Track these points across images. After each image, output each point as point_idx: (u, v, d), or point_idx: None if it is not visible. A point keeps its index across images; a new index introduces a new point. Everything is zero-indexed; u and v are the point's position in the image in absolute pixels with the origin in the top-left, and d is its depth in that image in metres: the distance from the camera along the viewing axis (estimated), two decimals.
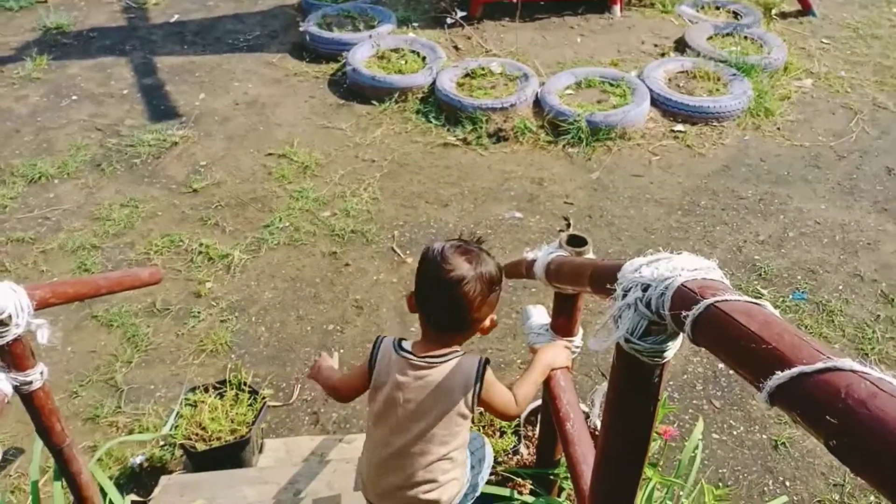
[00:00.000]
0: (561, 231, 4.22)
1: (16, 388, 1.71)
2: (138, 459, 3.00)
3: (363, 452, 1.75)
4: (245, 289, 3.88)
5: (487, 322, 1.58)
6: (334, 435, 2.99)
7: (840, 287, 3.81)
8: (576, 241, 1.57)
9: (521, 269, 1.91)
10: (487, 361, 1.59)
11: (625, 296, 0.93)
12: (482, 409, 1.59)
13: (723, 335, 0.73)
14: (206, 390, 2.72)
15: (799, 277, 3.88)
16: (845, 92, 5.52)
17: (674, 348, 0.94)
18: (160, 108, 5.50)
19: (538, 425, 2.62)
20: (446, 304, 1.50)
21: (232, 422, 2.58)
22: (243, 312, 3.73)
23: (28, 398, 1.78)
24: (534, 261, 1.63)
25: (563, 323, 1.67)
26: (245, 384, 2.72)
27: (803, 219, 4.30)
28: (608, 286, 1.02)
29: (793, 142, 4.98)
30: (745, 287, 3.80)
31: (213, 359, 3.48)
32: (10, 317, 1.57)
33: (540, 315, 1.79)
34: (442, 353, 1.55)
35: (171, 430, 2.54)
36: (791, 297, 3.76)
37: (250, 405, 2.68)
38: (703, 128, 5.08)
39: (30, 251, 4.14)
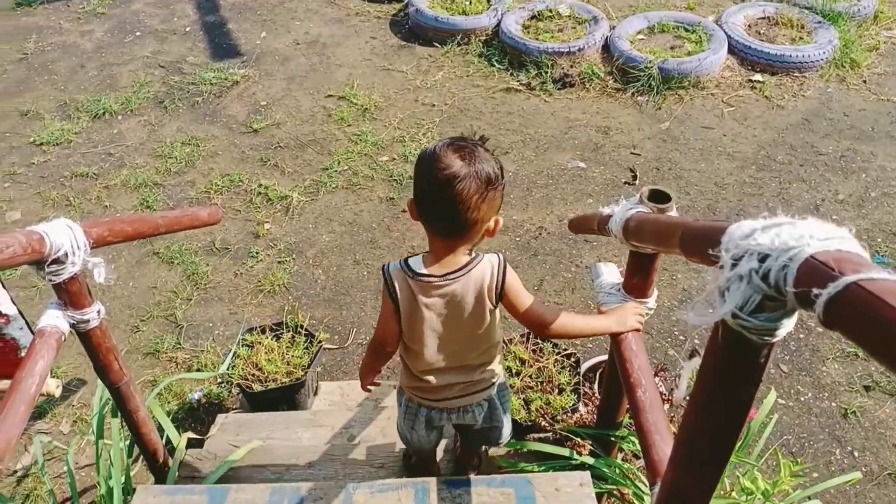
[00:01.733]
0: (626, 183, 4.06)
1: (73, 326, 1.71)
2: (196, 395, 3.05)
3: (405, 369, 1.75)
4: (303, 231, 3.86)
5: (492, 223, 1.49)
6: (388, 380, 2.97)
7: None
8: (658, 197, 1.45)
9: (593, 224, 1.80)
10: (506, 260, 1.57)
11: (734, 265, 0.83)
12: (508, 303, 1.57)
13: (867, 320, 0.63)
14: (263, 331, 2.73)
15: (879, 240, 3.66)
16: None
17: (788, 326, 0.84)
18: (222, 46, 5.46)
19: (597, 383, 2.55)
20: (443, 206, 1.42)
21: (288, 364, 2.58)
22: (301, 255, 3.73)
23: (85, 336, 1.78)
24: (609, 216, 1.52)
25: (637, 283, 1.57)
26: (301, 327, 2.72)
27: (887, 178, 4.03)
28: (709, 252, 0.91)
29: (879, 96, 4.65)
30: None
31: (271, 299, 3.49)
32: (66, 254, 1.54)
33: (611, 273, 1.69)
34: (459, 266, 1.52)
35: (227, 369, 2.56)
36: (871, 259, 3.54)
37: (306, 348, 2.67)
38: (783, 78, 4.79)
39: (93, 186, 4.20)
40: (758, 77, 4.78)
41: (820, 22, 4.99)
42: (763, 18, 5.14)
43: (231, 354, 2.61)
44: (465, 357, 1.65)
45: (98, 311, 1.76)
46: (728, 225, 0.94)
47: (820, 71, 4.81)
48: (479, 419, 1.80)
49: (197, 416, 3.01)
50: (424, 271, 1.52)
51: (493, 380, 1.75)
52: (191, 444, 2.42)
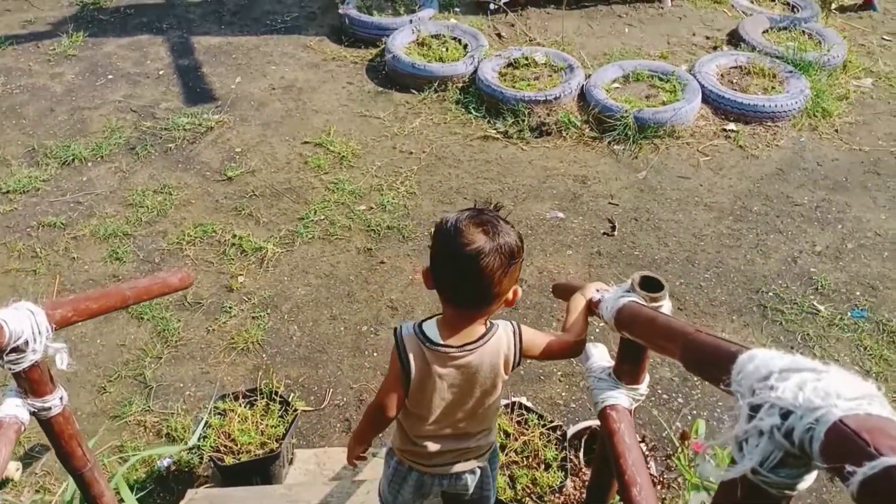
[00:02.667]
0: (605, 234, 4.05)
1: (33, 415, 1.61)
2: (165, 463, 2.92)
3: (400, 430, 1.70)
4: (278, 284, 3.77)
5: (511, 294, 1.48)
6: (371, 452, 2.87)
7: None
8: (650, 284, 1.41)
9: (571, 294, 1.77)
10: (520, 325, 1.59)
11: (752, 415, 0.78)
12: (534, 357, 1.60)
13: None
14: (237, 398, 2.63)
15: (858, 293, 3.67)
16: None
17: (809, 480, 0.79)
18: (196, 90, 5.40)
19: (583, 451, 2.49)
20: (465, 281, 1.41)
21: (262, 434, 2.48)
22: (275, 309, 3.63)
23: (47, 424, 1.68)
24: (598, 301, 1.48)
25: (628, 370, 1.52)
26: (276, 393, 2.62)
27: (862, 229, 4.07)
28: (719, 378, 0.86)
29: (851, 145, 4.73)
30: (801, 302, 3.60)
31: (244, 357, 3.39)
32: (26, 342, 1.45)
33: (601, 356, 1.64)
34: (476, 338, 1.51)
35: (198, 440, 2.45)
36: (850, 314, 3.56)
37: (281, 416, 2.57)
38: (756, 127, 4.84)
39: (61, 236, 4.07)
40: (732, 126, 4.83)
41: (791, 71, 5.07)
42: (735, 68, 5.22)
43: (202, 424, 2.50)
44: (469, 426, 1.64)
45: (61, 398, 1.66)
46: (737, 352, 0.89)
47: (792, 120, 4.88)
48: (470, 487, 1.76)
49: (166, 485, 2.88)
50: (441, 342, 1.50)
51: (489, 447, 1.75)
52: None
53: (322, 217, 4.20)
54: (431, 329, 1.51)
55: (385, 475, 1.83)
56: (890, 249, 3.93)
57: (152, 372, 3.33)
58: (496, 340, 1.52)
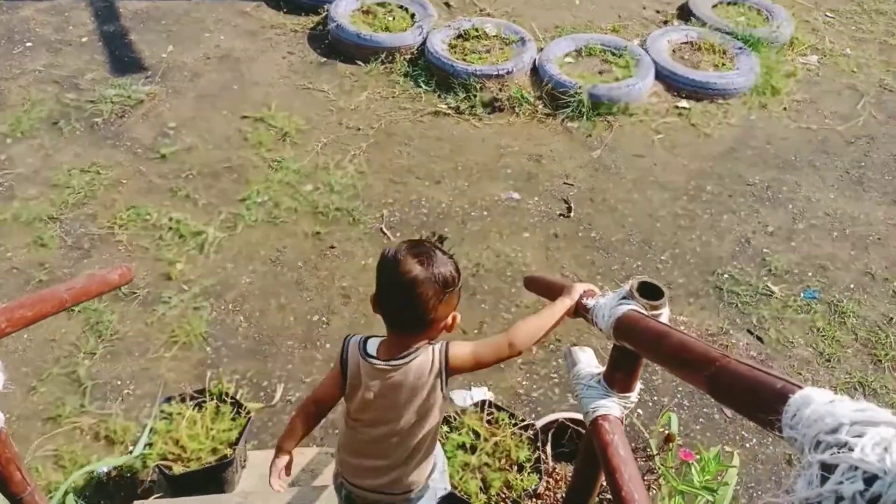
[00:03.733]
0: (562, 215, 3.95)
1: None
2: (105, 468, 2.71)
3: (340, 437, 1.79)
4: (220, 271, 3.55)
5: (450, 320, 1.58)
6: (324, 447, 2.73)
7: (851, 286, 3.64)
8: (649, 292, 1.30)
9: (553, 294, 1.65)
10: (448, 342, 1.61)
11: (824, 475, 0.67)
12: (466, 369, 1.62)
13: None
14: (183, 400, 2.43)
15: (810, 274, 3.70)
16: (851, 71, 5.29)
17: None
18: (124, 59, 5.02)
19: (550, 445, 2.41)
20: (401, 307, 1.53)
21: (213, 439, 2.31)
22: (219, 299, 3.41)
23: None
24: (591, 307, 1.37)
25: (621, 377, 1.42)
26: (227, 395, 2.44)
27: (812, 209, 4.10)
28: (763, 417, 0.76)
29: (799, 123, 4.76)
30: (756, 284, 3.61)
31: (187, 352, 3.17)
32: None
33: (589, 361, 1.53)
34: (405, 354, 1.57)
35: (144, 448, 2.25)
36: (802, 295, 3.58)
37: (233, 418, 2.40)
38: (707, 105, 4.82)
39: None
40: (684, 104, 4.80)
41: (741, 48, 5.06)
42: (686, 43, 5.18)
43: (147, 430, 2.31)
44: (391, 447, 1.65)
45: None
46: (786, 390, 0.78)
47: (743, 98, 4.87)
48: None
49: (106, 492, 2.67)
50: (374, 355, 1.59)
51: (414, 491, 1.74)
52: None
53: (266, 198, 3.97)
54: (373, 345, 1.62)
55: (334, 483, 1.88)
56: (839, 229, 3.97)
57: (86, 369, 3.08)
58: (420, 359, 1.57)
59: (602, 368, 1.51)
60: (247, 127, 4.48)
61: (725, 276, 3.66)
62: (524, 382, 3.12)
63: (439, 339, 1.62)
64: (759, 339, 3.36)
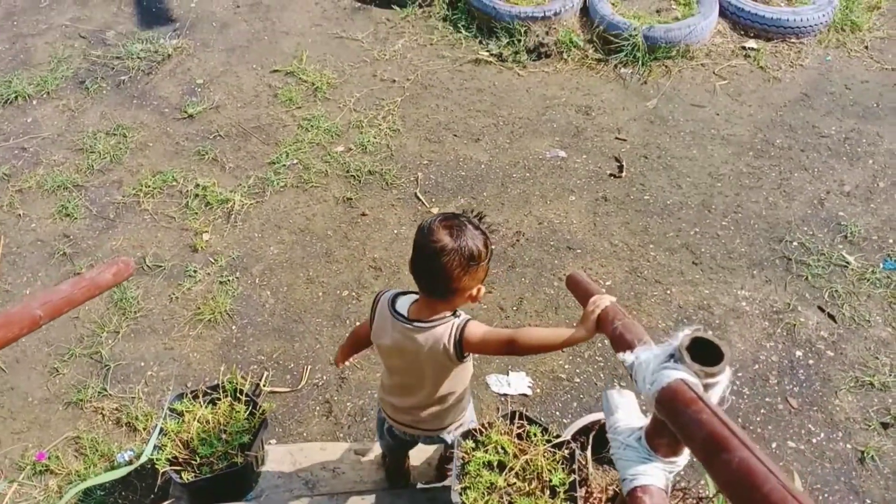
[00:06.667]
0: (612, 175, 3.62)
1: None
2: (126, 456, 2.64)
3: (382, 379, 1.98)
4: (247, 242, 3.38)
5: (475, 291, 1.66)
6: (347, 442, 2.58)
7: None
8: (702, 351, 1.03)
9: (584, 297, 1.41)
10: (469, 320, 1.70)
11: None
12: (477, 351, 1.72)
13: None
14: (196, 396, 2.29)
15: (891, 241, 3.31)
16: None
17: None
18: (151, 10, 4.81)
19: (590, 450, 2.18)
20: (428, 274, 1.62)
21: (226, 442, 2.17)
22: (245, 272, 3.26)
23: None
24: (630, 362, 1.11)
25: (666, 441, 1.17)
26: (241, 392, 2.28)
27: (895, 165, 3.66)
28: None
29: (883, 64, 4.24)
30: (829, 253, 3.24)
31: (212, 330, 3.04)
32: None
33: (628, 409, 1.28)
34: (431, 319, 1.68)
35: (153, 453, 2.13)
36: (882, 266, 3.21)
37: (248, 417, 2.25)
38: (778, 45, 4.33)
39: (4, 190, 3.65)
40: (752, 44, 4.32)
41: None
42: None
43: (156, 432, 2.18)
44: (415, 395, 1.84)
45: None
46: None
47: (819, 36, 4.36)
48: (429, 444, 2.13)
49: (128, 483, 2.60)
50: (402, 313, 1.71)
51: (442, 427, 1.95)
52: None
53: (295, 161, 3.76)
54: (404, 303, 1.73)
55: (377, 417, 2.12)
56: None
57: (110, 349, 2.99)
58: (442, 329, 1.68)
59: (645, 420, 1.25)
60: (277, 82, 4.24)
61: (794, 243, 3.30)
62: (566, 366, 2.89)
63: (465, 308, 1.76)
64: (832, 317, 3.03)
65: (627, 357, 1.18)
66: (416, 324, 1.69)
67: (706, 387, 1.02)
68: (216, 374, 2.84)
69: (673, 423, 1.00)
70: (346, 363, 2.08)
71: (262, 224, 3.46)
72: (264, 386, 2.79)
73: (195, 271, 3.25)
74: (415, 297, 1.74)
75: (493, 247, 1.67)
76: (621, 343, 1.23)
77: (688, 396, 0.97)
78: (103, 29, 4.65)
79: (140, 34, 4.58)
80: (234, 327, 3.05)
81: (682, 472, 2.10)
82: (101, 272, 1.89)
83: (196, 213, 3.50)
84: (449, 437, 1.99)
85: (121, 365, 2.94)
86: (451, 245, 1.56)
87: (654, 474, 1.16)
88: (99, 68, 4.34)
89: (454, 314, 1.71)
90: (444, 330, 1.68)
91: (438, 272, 1.58)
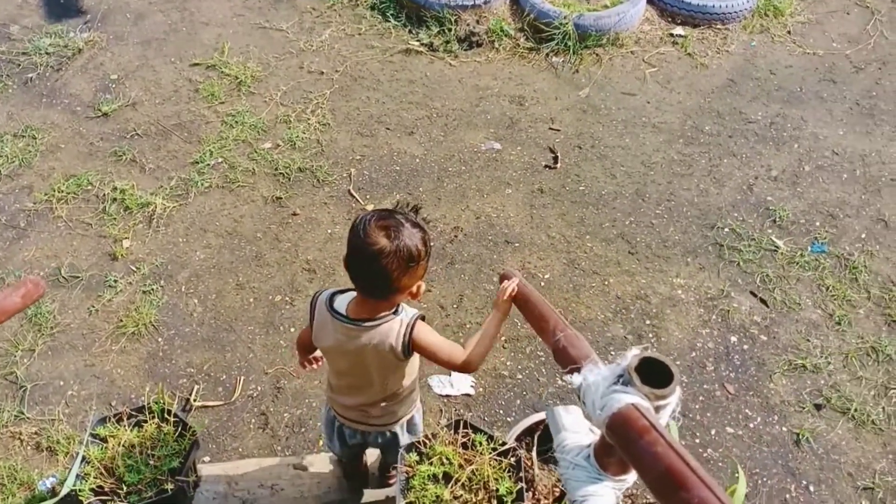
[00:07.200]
0: (547, 167, 3.60)
1: None
2: (48, 483, 2.47)
3: (327, 378, 1.93)
4: (171, 248, 3.22)
5: (415, 289, 1.64)
6: (286, 456, 2.48)
7: (863, 236, 3.34)
8: (650, 371, 0.99)
9: (547, 325, 1.35)
10: (422, 317, 1.71)
11: None
12: (422, 355, 1.72)
13: None
14: (120, 420, 2.15)
15: (818, 224, 3.39)
16: None
17: None
18: (59, 1, 4.52)
19: (535, 449, 2.15)
20: (366, 276, 1.59)
21: (155, 468, 2.04)
22: (170, 280, 3.10)
23: None
24: (576, 385, 1.06)
25: (615, 461, 1.12)
26: (169, 412, 2.15)
27: (819, 148, 3.75)
28: None
29: (805, 49, 4.34)
30: (759, 238, 3.30)
31: (136, 344, 2.88)
32: None
33: (576, 426, 1.23)
34: (374, 318, 1.66)
35: (74, 483, 1.99)
36: (810, 249, 3.28)
37: (178, 439, 2.12)
38: (705, 31, 4.38)
39: None
40: (679, 31, 4.36)
41: None
42: None
43: (79, 460, 2.03)
44: (364, 394, 1.83)
45: None
46: None
47: (743, 22, 4.43)
48: (381, 443, 2.02)
49: None
50: (343, 313, 1.68)
51: (394, 421, 1.94)
52: None
53: (220, 159, 3.59)
54: (342, 303, 1.70)
55: (323, 419, 2.09)
56: (848, 171, 3.64)
57: (26, 369, 2.79)
58: (387, 327, 1.66)
59: (593, 437, 1.21)
60: (197, 76, 4.05)
61: (726, 229, 3.35)
62: (508, 363, 2.85)
63: (406, 304, 1.72)
64: (763, 301, 3.08)
65: (575, 379, 1.13)
66: (358, 323, 1.66)
67: (657, 409, 0.98)
68: (142, 390, 2.70)
69: (625, 452, 0.96)
70: (314, 366, 2.03)
71: (187, 228, 3.30)
72: (195, 401, 2.66)
73: (116, 281, 3.07)
74: (352, 294, 1.70)
75: (431, 243, 1.64)
76: (565, 358, 1.18)
77: (640, 424, 0.92)
78: (7, 23, 4.34)
79: (48, 27, 4.29)
80: (160, 339, 2.89)
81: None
82: (7, 296, 1.74)
83: (114, 219, 3.30)
84: (400, 431, 1.98)
85: (38, 385, 2.75)
86: (389, 247, 1.52)
87: (605, 494, 1.12)
88: (3, 65, 4.05)
89: (395, 311, 1.68)
90: (388, 328, 1.66)
91: (377, 274, 1.54)
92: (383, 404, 1.86)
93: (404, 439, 1.97)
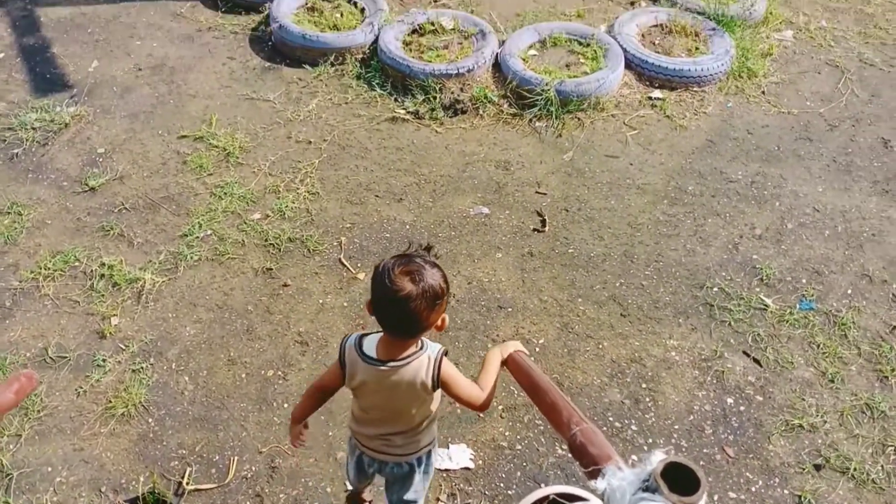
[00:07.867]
0: (536, 230, 3.63)
1: None
2: None
3: (352, 411, 2.00)
4: (161, 324, 3.18)
5: (440, 322, 1.75)
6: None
7: (849, 291, 3.39)
8: (676, 477, 0.98)
9: (561, 420, 1.34)
10: (446, 352, 1.82)
11: None
12: (445, 390, 1.82)
13: None
14: None
15: (804, 280, 3.44)
16: (829, 45, 5.00)
17: None
18: (46, 76, 4.56)
19: None
20: (397, 319, 1.70)
21: None
22: (160, 357, 3.05)
23: None
24: (601, 490, 1.05)
25: None
26: (164, 502, 2.10)
27: (800, 205, 3.83)
28: None
29: (780, 108, 4.47)
30: (748, 297, 3.33)
31: (126, 425, 2.81)
32: None
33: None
34: (404, 357, 1.77)
35: None
36: (798, 306, 3.32)
37: None
38: (682, 94, 4.51)
39: None
40: (657, 94, 4.48)
41: (714, 29, 4.74)
42: (656, 26, 4.84)
43: None
44: (396, 425, 1.93)
45: None
46: None
47: (719, 84, 4.57)
48: (396, 475, 2.09)
49: None
50: (374, 356, 1.78)
51: (417, 451, 2.02)
52: None
53: (209, 231, 3.59)
54: (370, 346, 1.79)
55: (348, 450, 2.19)
56: (830, 227, 3.71)
57: (12, 455, 2.71)
58: (417, 364, 1.77)
59: None
60: (185, 148, 4.07)
61: (715, 289, 3.38)
62: (506, 433, 2.82)
63: (431, 337, 1.84)
64: (757, 361, 3.10)
65: (599, 484, 1.11)
66: (389, 364, 1.76)
67: None
68: (133, 474, 2.62)
69: None
70: (303, 440, 2.08)
71: (177, 303, 3.27)
72: (188, 484, 2.59)
73: (104, 360, 3.01)
74: (377, 336, 1.81)
75: (448, 278, 1.76)
76: (583, 455, 1.17)
77: None
78: None
79: (34, 102, 4.32)
80: (150, 420, 2.83)
81: None
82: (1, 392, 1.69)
83: (102, 296, 3.27)
84: (417, 466, 2.06)
85: (25, 473, 2.67)
86: (416, 291, 1.63)
87: None
88: None
89: (421, 347, 1.79)
90: (418, 365, 1.77)
91: (407, 317, 1.66)
92: (409, 434, 1.95)
93: (418, 478, 2.09)
